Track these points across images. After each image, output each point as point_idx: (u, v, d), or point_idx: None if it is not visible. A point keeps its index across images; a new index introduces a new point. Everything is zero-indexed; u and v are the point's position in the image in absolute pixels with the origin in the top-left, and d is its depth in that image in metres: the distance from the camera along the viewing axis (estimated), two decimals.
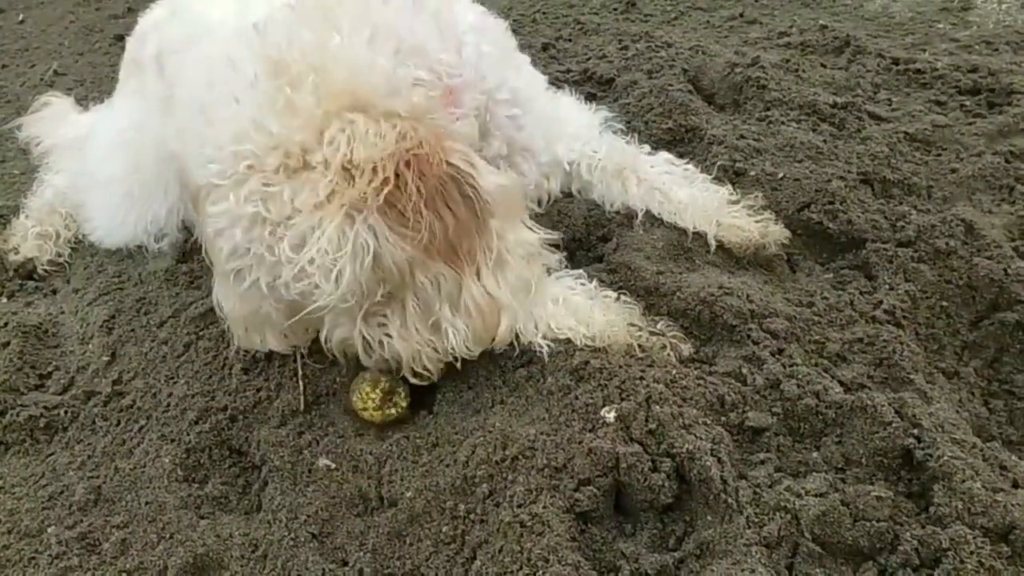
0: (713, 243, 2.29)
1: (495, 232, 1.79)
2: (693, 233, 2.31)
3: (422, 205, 1.63)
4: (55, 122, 3.30)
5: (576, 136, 2.50)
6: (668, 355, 1.96)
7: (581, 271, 2.16)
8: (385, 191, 1.61)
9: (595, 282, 2.12)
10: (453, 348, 1.83)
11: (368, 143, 1.60)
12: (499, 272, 1.81)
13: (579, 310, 2.02)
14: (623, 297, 2.08)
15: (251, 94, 1.66)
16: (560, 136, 2.42)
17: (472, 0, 2.25)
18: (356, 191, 1.59)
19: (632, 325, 2.01)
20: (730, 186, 2.42)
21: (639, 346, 1.96)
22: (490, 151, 2.12)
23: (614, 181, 2.45)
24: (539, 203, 2.43)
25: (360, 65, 1.68)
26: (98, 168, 2.80)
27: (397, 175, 1.62)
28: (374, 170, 1.60)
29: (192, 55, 2.34)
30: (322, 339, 1.94)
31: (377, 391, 1.97)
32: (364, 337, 1.84)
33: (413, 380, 1.92)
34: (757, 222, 2.31)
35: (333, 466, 1.91)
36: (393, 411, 1.98)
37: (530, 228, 1.96)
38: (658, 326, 2.02)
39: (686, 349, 2.00)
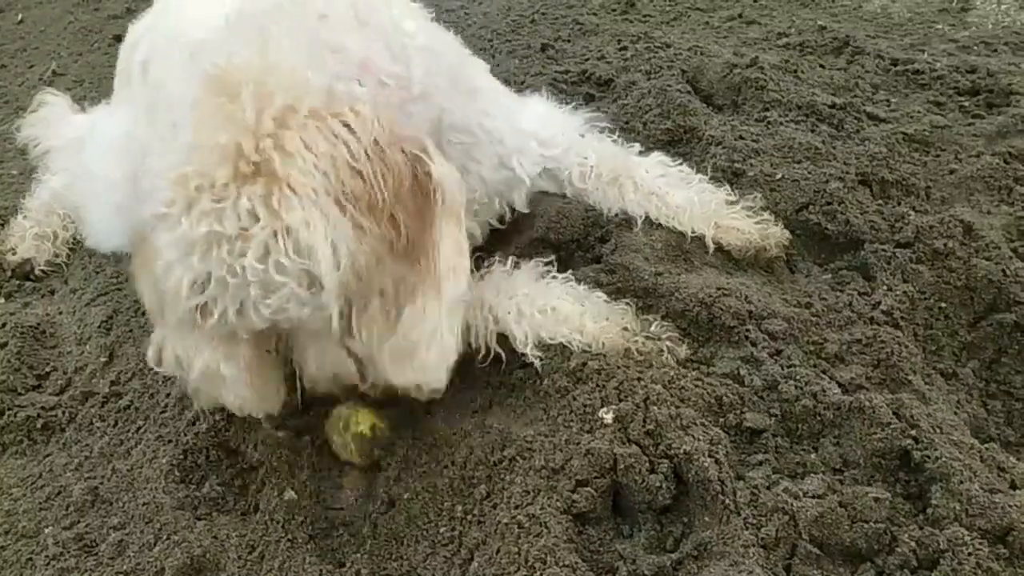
0: (711, 245, 2.28)
1: (440, 228, 1.68)
2: (692, 236, 2.30)
3: (385, 199, 1.56)
4: (54, 123, 3.30)
5: (549, 143, 2.42)
6: (666, 359, 1.95)
7: (569, 274, 2.14)
8: (347, 186, 1.53)
9: (583, 286, 2.10)
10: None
11: (321, 140, 1.53)
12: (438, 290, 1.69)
13: (570, 319, 1.99)
14: (617, 299, 2.07)
15: (189, 116, 1.57)
16: (520, 149, 2.31)
17: (421, 11, 2.14)
18: (316, 188, 1.50)
19: (626, 330, 1.99)
20: (728, 187, 2.41)
21: (637, 351, 1.95)
22: None
23: (610, 188, 2.42)
24: (501, 220, 2.37)
25: (299, 77, 1.59)
26: (94, 174, 2.80)
27: (356, 170, 1.54)
28: (333, 167, 1.53)
29: (169, 63, 2.32)
30: (305, 378, 1.83)
31: (353, 434, 1.87)
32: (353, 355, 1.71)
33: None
34: (757, 223, 2.30)
35: (296, 497, 1.87)
36: (377, 452, 1.90)
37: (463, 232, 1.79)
38: (652, 328, 2.01)
39: (683, 351, 1.99)
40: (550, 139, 2.43)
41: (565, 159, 2.45)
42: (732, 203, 2.35)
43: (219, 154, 1.49)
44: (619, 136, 2.60)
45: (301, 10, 1.79)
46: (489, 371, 2.00)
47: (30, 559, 1.86)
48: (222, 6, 2.08)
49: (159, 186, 1.53)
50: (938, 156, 2.67)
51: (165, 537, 1.84)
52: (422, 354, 1.67)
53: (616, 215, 2.39)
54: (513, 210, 2.40)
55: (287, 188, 1.48)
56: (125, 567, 1.80)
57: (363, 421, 1.88)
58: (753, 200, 2.36)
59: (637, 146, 2.53)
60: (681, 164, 2.49)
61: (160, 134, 1.65)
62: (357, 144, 1.54)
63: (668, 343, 1.98)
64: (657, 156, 2.50)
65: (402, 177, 1.58)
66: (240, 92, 1.52)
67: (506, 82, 3.31)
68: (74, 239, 2.93)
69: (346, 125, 1.56)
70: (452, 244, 1.69)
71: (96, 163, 2.79)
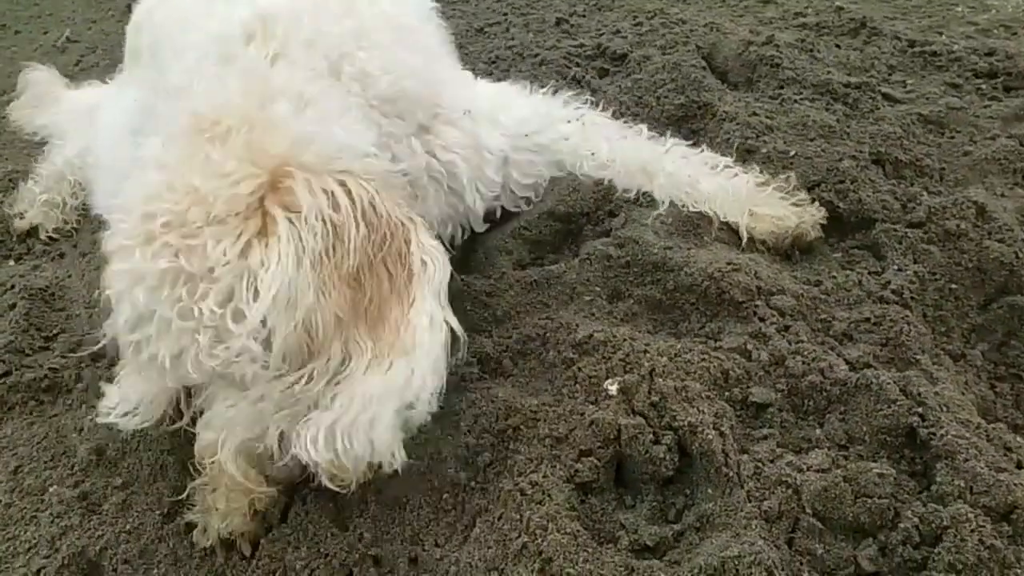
0: (745, 235, 2.24)
1: (415, 299, 1.56)
2: (721, 223, 2.27)
3: (359, 264, 1.49)
4: (46, 102, 3.32)
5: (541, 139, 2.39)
6: None
7: None
8: (326, 243, 1.46)
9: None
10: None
11: (309, 196, 1.46)
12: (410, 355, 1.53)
13: None
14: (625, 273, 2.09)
15: (169, 151, 1.52)
16: (488, 161, 2.24)
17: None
18: (293, 239, 1.43)
19: None
20: (757, 168, 2.38)
21: None
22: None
23: (639, 174, 2.38)
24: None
25: (296, 128, 1.55)
26: (103, 158, 2.80)
27: (336, 228, 1.47)
28: (318, 221, 1.45)
29: (172, 45, 2.31)
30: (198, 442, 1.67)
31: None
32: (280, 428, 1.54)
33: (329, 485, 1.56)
34: (794, 206, 2.25)
35: None
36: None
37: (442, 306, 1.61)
38: None
39: None
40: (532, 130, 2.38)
41: (573, 159, 2.43)
42: (762, 184, 2.31)
43: (195, 197, 1.43)
44: (630, 112, 2.59)
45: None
46: (496, 342, 2.00)
47: (34, 516, 1.87)
48: None
49: (123, 220, 1.47)
50: (953, 138, 2.65)
51: (169, 497, 1.85)
52: (360, 434, 1.48)
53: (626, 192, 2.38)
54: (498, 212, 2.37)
55: (259, 234, 1.43)
56: (128, 527, 1.81)
57: None
58: (787, 180, 2.31)
59: (643, 127, 2.50)
60: (703, 149, 2.45)
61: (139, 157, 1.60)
62: (349, 205, 1.48)
63: None
64: (681, 146, 2.45)
65: (382, 245, 1.52)
66: (232, 140, 1.48)
67: (520, 56, 3.30)
68: (84, 205, 2.94)
69: (342, 184, 1.50)
70: (426, 320, 1.55)
71: (105, 148, 2.79)
